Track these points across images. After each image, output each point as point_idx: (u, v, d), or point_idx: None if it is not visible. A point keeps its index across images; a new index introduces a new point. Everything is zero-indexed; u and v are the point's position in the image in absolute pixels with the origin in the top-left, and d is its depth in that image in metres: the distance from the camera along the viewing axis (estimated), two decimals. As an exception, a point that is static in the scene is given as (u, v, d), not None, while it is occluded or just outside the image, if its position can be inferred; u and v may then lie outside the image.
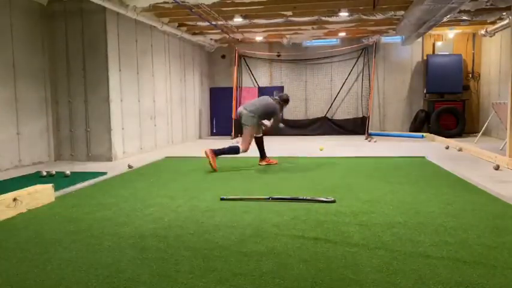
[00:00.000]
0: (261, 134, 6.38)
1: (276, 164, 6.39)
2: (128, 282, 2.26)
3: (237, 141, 7.03)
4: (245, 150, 6.07)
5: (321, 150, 8.04)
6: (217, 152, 5.93)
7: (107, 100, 7.23)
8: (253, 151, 6.36)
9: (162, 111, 9.42)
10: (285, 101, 6.52)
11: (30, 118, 6.90)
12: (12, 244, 2.92)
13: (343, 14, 8.24)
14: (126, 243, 2.87)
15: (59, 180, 5.32)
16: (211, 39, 11.39)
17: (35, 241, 2.97)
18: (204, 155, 5.92)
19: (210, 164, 5.81)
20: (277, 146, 8.90)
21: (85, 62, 7.24)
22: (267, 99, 6.33)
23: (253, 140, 6.24)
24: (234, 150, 6.04)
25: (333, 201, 3.95)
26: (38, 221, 3.48)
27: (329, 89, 12.33)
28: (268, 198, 4.05)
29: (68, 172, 5.90)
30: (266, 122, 6.25)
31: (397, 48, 11.84)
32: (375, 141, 9.88)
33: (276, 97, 6.45)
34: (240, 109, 6.28)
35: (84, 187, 4.94)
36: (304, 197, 4.09)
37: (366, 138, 10.16)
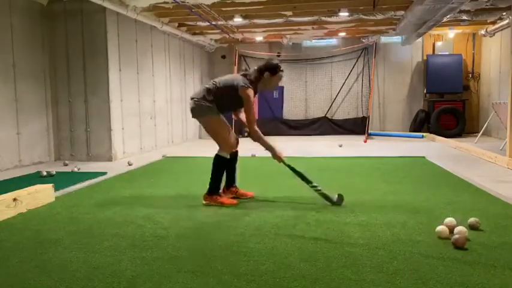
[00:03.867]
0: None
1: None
2: (128, 282, 2.26)
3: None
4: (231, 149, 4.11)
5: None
6: (213, 190, 3.97)
7: (107, 100, 7.22)
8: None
9: (162, 111, 9.42)
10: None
11: (30, 118, 6.90)
12: (12, 244, 2.92)
13: (343, 14, 8.24)
14: (126, 243, 2.87)
15: (59, 179, 5.32)
16: (211, 39, 11.39)
17: (35, 241, 2.97)
18: (209, 203, 3.98)
19: (225, 205, 3.90)
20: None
21: (85, 62, 7.24)
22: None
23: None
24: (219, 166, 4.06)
25: (338, 204, 3.84)
26: (38, 221, 3.48)
27: (329, 89, 12.32)
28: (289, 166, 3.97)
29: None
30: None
31: (397, 48, 11.83)
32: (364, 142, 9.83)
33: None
34: None
35: (84, 187, 4.94)
36: (318, 187, 3.94)
37: (365, 141, 10.06)
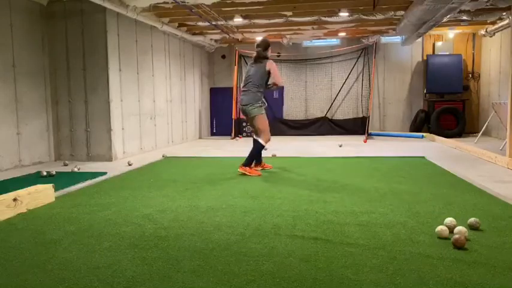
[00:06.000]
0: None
1: (271, 168, 5.96)
2: (128, 282, 2.26)
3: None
4: (268, 140, 5.68)
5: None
6: (248, 163, 5.60)
7: (107, 100, 7.23)
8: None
9: (162, 111, 9.42)
10: (265, 48, 5.63)
11: (30, 118, 6.90)
12: (12, 244, 2.92)
13: (343, 14, 8.24)
14: (126, 243, 2.87)
15: (59, 179, 5.32)
16: (211, 39, 11.39)
17: (35, 241, 2.97)
18: (242, 172, 5.51)
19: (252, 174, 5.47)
20: (277, 147, 8.90)
21: (85, 62, 7.24)
22: (251, 75, 5.63)
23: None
24: (259, 149, 5.69)
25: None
26: (38, 221, 3.48)
27: (329, 89, 12.33)
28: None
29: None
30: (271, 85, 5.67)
31: (397, 48, 11.84)
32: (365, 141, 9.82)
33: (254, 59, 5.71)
34: (239, 105, 5.81)
35: (84, 187, 4.94)
36: None
37: (365, 141, 10.07)
